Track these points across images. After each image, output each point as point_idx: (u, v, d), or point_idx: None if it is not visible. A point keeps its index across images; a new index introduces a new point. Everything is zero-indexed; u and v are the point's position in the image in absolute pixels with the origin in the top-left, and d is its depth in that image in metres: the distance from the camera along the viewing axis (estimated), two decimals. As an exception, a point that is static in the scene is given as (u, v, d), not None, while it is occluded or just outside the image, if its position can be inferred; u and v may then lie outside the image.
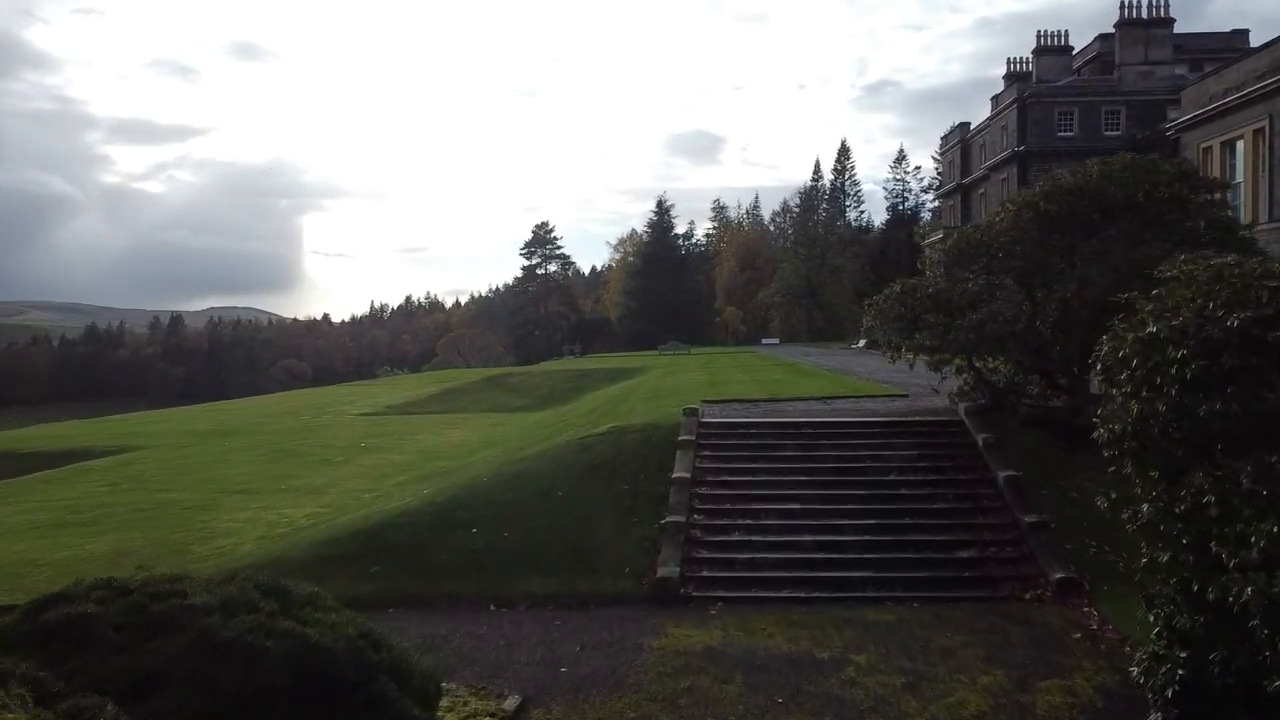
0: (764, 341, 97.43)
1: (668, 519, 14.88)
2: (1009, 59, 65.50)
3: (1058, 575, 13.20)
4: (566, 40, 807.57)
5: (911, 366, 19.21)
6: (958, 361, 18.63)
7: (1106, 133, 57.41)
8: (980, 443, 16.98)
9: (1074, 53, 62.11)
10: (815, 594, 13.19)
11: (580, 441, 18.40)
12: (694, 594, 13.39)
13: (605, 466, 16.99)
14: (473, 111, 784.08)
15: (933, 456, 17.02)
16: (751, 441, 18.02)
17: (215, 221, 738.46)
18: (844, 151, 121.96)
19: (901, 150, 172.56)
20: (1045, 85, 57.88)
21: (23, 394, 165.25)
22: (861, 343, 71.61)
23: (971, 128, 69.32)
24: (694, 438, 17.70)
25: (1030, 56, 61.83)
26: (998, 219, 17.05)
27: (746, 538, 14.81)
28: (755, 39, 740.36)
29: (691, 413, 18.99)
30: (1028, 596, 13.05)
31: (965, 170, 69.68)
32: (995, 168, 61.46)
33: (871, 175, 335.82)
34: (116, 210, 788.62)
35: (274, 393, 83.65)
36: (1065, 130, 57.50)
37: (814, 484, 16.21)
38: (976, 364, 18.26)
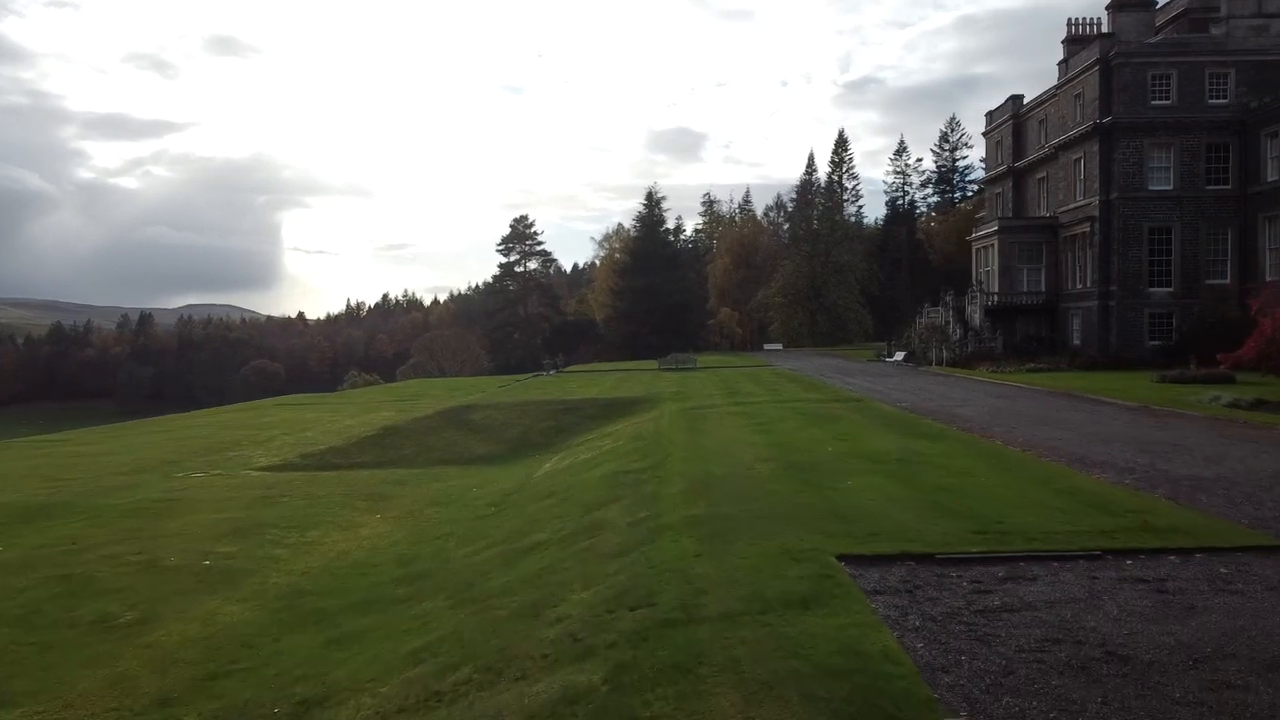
0: (766, 347, 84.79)
1: None
2: (1070, 20, 52.55)
3: None
4: (549, 36, 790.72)
5: None
6: None
7: (1210, 100, 44.42)
8: None
9: (1157, 7, 49.19)
10: None
11: None
12: None
13: None
14: (455, 107, 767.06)
15: None
16: None
17: (193, 218, 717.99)
18: (841, 142, 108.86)
19: (902, 142, 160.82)
20: (1136, 43, 44.90)
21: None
22: (900, 355, 58.20)
23: (1026, 101, 56.25)
24: None
25: (1105, 15, 48.83)
26: None
27: None
28: (739, 35, 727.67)
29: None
30: None
31: (1018, 152, 56.54)
32: (1066, 145, 48.37)
33: (856, 172, 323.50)
34: (92, 206, 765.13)
35: (234, 403, 70.73)
36: (1160, 98, 44.47)
37: None
38: None
